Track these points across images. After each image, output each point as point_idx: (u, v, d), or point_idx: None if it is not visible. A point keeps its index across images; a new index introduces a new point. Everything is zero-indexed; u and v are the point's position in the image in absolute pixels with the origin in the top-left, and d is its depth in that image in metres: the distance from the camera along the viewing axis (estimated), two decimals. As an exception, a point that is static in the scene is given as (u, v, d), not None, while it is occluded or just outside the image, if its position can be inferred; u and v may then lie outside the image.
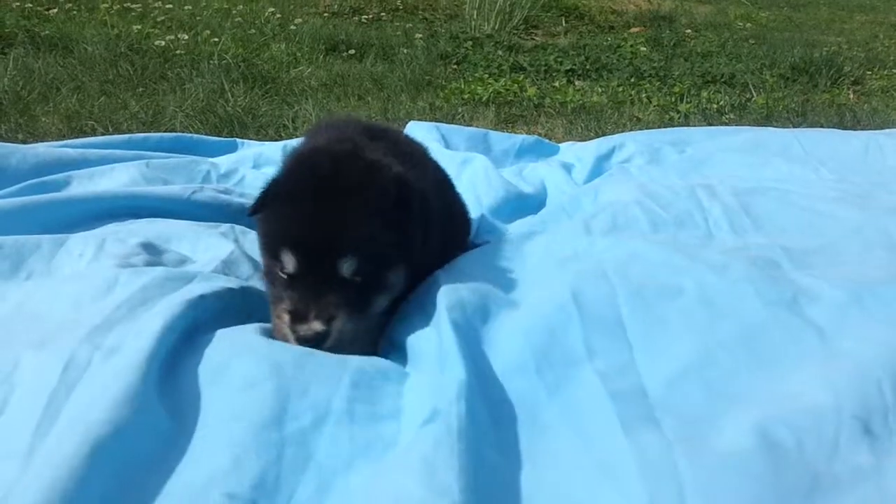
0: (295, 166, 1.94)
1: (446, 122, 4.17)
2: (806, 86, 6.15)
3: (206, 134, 3.88)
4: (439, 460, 1.33)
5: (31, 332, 1.70)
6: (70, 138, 3.68)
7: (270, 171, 3.36)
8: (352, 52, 6.32)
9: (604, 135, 4.14)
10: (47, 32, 5.77)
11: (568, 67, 6.27)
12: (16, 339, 1.67)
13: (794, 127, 4.42)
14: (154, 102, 4.45)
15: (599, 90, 5.68)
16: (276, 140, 3.95)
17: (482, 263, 2.19)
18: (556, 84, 5.81)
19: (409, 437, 1.47)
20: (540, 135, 4.12)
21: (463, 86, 5.56)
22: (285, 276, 1.81)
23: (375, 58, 6.18)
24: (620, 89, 5.72)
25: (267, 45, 6.23)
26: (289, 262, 1.79)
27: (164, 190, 2.87)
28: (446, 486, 1.28)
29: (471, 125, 4.50)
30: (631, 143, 3.56)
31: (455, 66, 6.22)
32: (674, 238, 2.38)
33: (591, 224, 2.46)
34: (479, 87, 5.50)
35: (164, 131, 3.87)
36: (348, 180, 1.83)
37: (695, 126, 4.55)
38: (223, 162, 3.43)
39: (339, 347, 1.77)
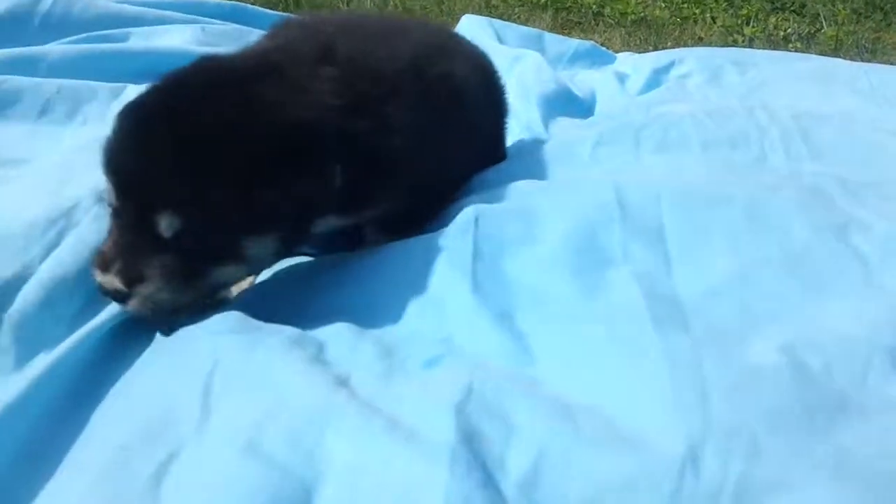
0: (173, 76, 1.46)
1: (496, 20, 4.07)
2: (880, 23, 5.88)
3: (262, 7, 3.82)
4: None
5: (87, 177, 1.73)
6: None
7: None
8: (412, -62, 6.13)
9: (663, 49, 4.03)
10: None
11: (632, -22, 6.04)
12: (75, 181, 1.71)
13: (864, 63, 4.25)
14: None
15: (662, 4, 5.49)
16: (330, 20, 3.89)
17: (524, 165, 2.17)
18: (619, -7, 5.62)
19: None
20: (596, 43, 4.01)
21: (522, -15, 5.40)
22: (110, 206, 1.43)
23: (435, -53, 5.99)
24: (685, 6, 5.52)
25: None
26: (109, 191, 1.40)
27: (216, 51, 2.88)
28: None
29: (522, 26, 4.39)
30: (691, 59, 3.46)
31: (514, -35, 6.02)
32: (726, 158, 2.34)
33: (640, 135, 2.41)
34: (537, -11, 5.34)
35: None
36: (203, 112, 1.38)
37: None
38: (275, 37, 3.40)
39: (158, 317, 1.42)
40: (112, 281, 1.36)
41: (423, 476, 1.13)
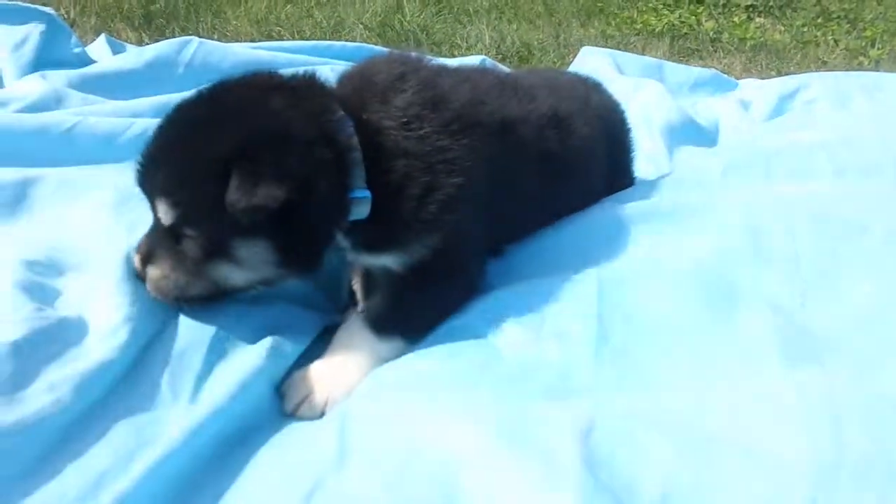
0: (203, 90, 1.65)
1: (616, 51, 4.10)
2: None
3: (384, 47, 3.99)
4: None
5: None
6: (259, 41, 3.90)
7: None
8: (523, -26, 6.25)
9: (785, 75, 3.96)
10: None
11: (749, 2, 5.95)
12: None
13: None
14: (335, 13, 4.61)
15: (781, 28, 5.39)
16: (449, 58, 4.01)
17: (651, 192, 2.18)
18: (735, 19, 5.54)
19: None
20: (717, 70, 3.98)
21: (635, 15, 5.41)
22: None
23: (547, -19, 6.08)
24: (805, 29, 5.40)
25: (441, -37, 6.25)
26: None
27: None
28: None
29: (641, 56, 4.40)
30: (817, 84, 3.40)
31: (628, -5, 6.04)
32: (860, 186, 2.28)
33: (771, 162, 2.38)
34: (652, 18, 5.34)
35: (346, 41, 4.01)
36: (197, 111, 1.58)
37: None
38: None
39: (168, 299, 1.61)
40: (136, 261, 1.61)
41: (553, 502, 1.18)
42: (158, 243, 1.59)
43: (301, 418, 1.56)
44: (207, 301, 1.63)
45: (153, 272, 1.59)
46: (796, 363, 1.49)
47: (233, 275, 1.59)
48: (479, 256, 1.82)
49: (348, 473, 1.33)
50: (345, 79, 1.80)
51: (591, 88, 2.33)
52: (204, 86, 1.65)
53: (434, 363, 1.61)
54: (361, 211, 1.62)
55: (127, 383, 1.50)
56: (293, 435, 1.50)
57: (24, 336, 1.44)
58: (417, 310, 1.71)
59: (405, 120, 1.65)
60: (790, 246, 1.78)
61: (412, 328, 1.69)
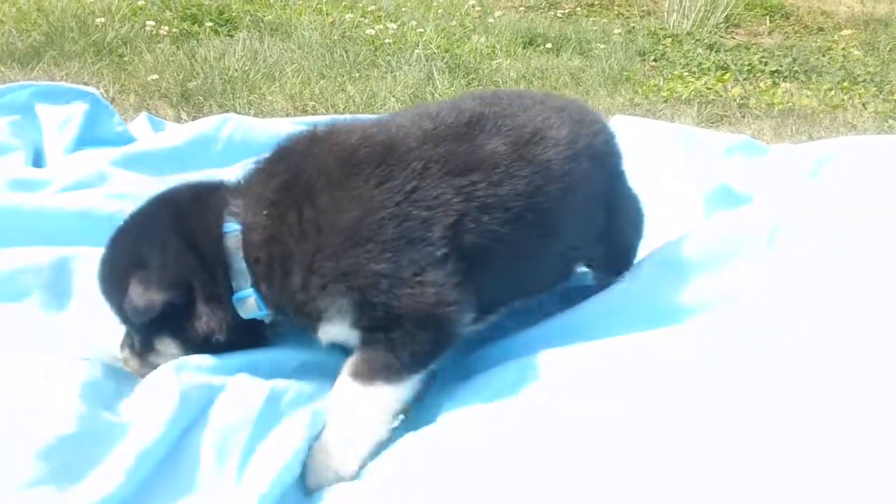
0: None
1: (646, 119, 4.13)
2: None
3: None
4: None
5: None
6: (294, 117, 3.99)
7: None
8: (548, 45, 6.37)
9: (815, 139, 3.96)
10: (269, 17, 6.23)
11: (774, 68, 6.02)
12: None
13: None
14: (368, 87, 4.71)
15: (808, 93, 5.42)
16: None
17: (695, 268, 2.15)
18: (762, 85, 5.59)
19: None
20: (749, 136, 3.98)
21: (662, 83, 5.48)
22: None
23: (572, 52, 6.20)
24: (832, 93, 5.43)
25: (468, 36, 6.40)
26: None
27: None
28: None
29: (672, 123, 4.43)
30: (853, 148, 3.36)
31: (653, 63, 6.13)
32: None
33: (815, 227, 2.36)
34: (679, 85, 5.40)
35: (379, 114, 4.09)
36: (126, 226, 1.85)
37: (918, 135, 4.24)
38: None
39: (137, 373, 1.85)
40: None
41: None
42: (126, 334, 1.87)
43: (321, 489, 1.57)
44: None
45: (124, 355, 1.87)
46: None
47: (162, 360, 1.79)
48: (441, 297, 1.68)
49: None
50: (246, 175, 1.87)
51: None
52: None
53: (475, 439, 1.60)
54: (251, 308, 1.75)
55: (171, 465, 1.49)
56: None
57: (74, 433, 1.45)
58: (390, 354, 1.66)
59: (272, 212, 1.73)
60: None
61: (392, 371, 1.65)
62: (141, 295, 1.69)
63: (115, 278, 1.77)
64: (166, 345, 1.79)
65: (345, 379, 1.67)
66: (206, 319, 1.74)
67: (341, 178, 1.71)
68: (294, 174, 1.74)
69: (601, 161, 2.08)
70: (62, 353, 1.75)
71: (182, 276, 1.73)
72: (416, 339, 1.66)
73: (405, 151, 1.75)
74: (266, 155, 1.85)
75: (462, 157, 1.78)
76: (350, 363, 1.69)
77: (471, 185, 1.74)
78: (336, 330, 1.71)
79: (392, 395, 1.65)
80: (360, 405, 1.65)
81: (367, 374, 1.65)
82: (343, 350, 1.77)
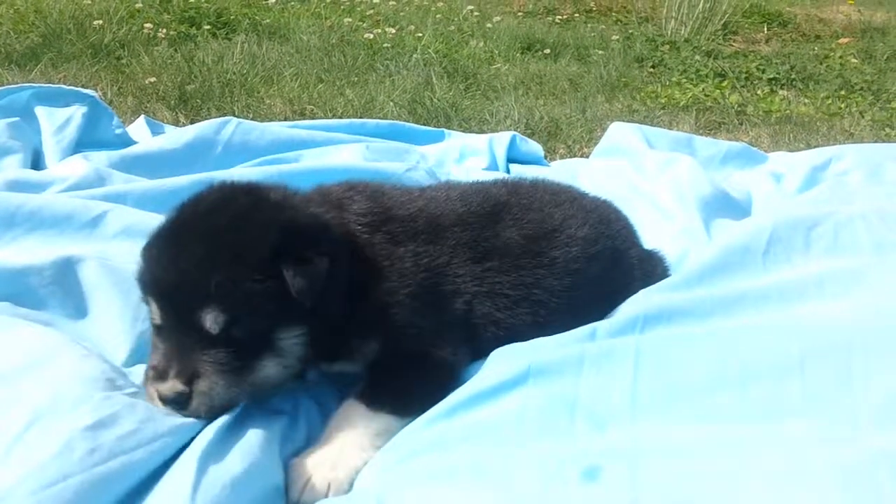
0: (187, 202, 1.74)
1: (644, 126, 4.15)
2: None
3: (415, 123, 4.06)
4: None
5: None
6: (293, 120, 3.99)
7: (474, 164, 3.55)
8: (547, 51, 6.39)
9: (813, 147, 3.97)
10: (267, 21, 6.23)
11: (771, 76, 6.04)
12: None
13: None
14: (366, 91, 4.71)
15: (806, 101, 5.44)
16: (479, 133, 4.07)
17: (695, 280, 2.14)
18: (759, 92, 5.61)
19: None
20: (747, 143, 4.00)
21: (660, 90, 5.49)
22: (154, 326, 1.62)
23: (570, 58, 6.22)
24: (829, 101, 5.45)
25: (466, 41, 6.42)
26: (154, 311, 1.60)
27: (382, 166, 3.12)
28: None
29: (670, 130, 4.44)
30: (850, 156, 3.39)
31: (651, 70, 6.15)
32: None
33: (811, 236, 2.36)
34: (676, 92, 5.41)
35: (377, 118, 4.09)
36: (219, 219, 1.62)
37: (915, 144, 4.26)
38: (431, 153, 3.61)
39: (211, 413, 1.56)
40: (173, 385, 1.52)
41: None
42: (194, 356, 1.54)
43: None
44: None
45: (202, 386, 1.54)
46: (833, 436, 1.47)
47: (273, 371, 1.64)
48: (451, 346, 1.85)
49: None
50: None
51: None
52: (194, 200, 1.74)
53: (460, 449, 1.60)
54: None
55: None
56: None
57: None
58: (403, 388, 1.74)
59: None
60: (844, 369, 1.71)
61: (401, 405, 1.72)
62: (308, 270, 1.57)
63: (246, 270, 1.56)
64: (294, 343, 1.63)
65: (354, 403, 1.70)
66: (337, 301, 1.68)
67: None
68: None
69: (619, 259, 2.17)
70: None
71: (330, 248, 1.69)
72: (419, 382, 1.77)
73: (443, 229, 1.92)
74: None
75: (482, 242, 1.94)
76: (362, 390, 1.74)
77: (484, 272, 1.91)
78: (355, 365, 1.81)
79: (393, 425, 1.69)
80: (364, 427, 1.66)
81: (378, 402, 1.70)
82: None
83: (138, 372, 1.73)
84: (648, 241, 2.44)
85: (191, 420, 1.55)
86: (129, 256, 2.13)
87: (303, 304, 1.57)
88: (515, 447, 1.61)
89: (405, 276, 1.80)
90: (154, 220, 2.28)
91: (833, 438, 1.49)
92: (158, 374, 1.54)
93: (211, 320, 1.53)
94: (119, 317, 1.96)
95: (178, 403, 1.53)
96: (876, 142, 4.48)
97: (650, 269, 2.27)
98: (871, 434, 1.49)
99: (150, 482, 1.42)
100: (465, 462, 1.57)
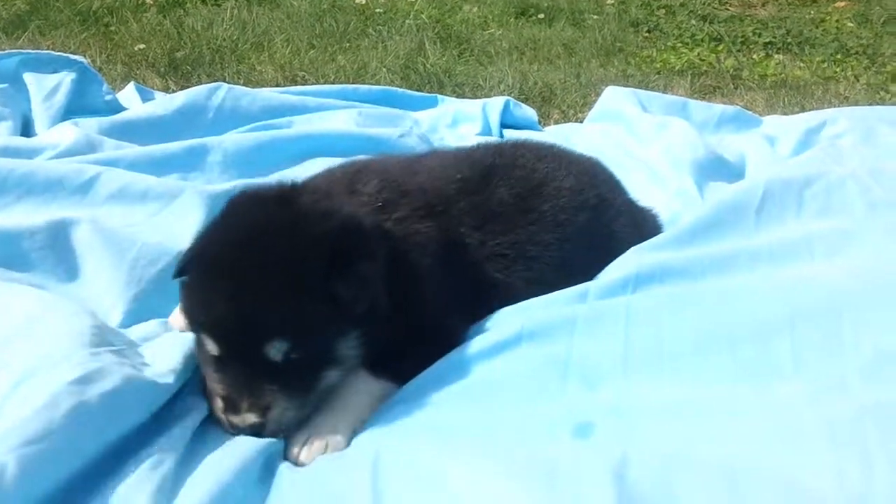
0: (219, 220, 1.72)
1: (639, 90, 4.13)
2: None
3: (407, 89, 4.04)
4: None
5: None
6: (284, 86, 3.95)
7: (467, 131, 3.54)
8: (541, 16, 6.32)
9: (808, 111, 3.96)
10: (255, -15, 6.15)
11: (767, 40, 5.99)
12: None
13: None
14: (358, 58, 4.67)
15: (801, 65, 5.41)
16: (473, 99, 4.05)
17: (688, 240, 2.14)
18: (755, 56, 5.57)
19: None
20: (741, 107, 3.99)
21: (655, 54, 5.46)
22: (212, 357, 1.59)
23: (565, 23, 6.15)
24: (824, 65, 5.42)
25: (459, 6, 6.34)
26: (211, 344, 1.57)
27: (375, 132, 3.11)
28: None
29: (665, 94, 4.42)
30: (843, 119, 3.39)
31: (647, 34, 6.09)
32: (893, 221, 2.25)
33: (803, 196, 2.36)
34: (672, 57, 5.38)
35: (370, 85, 4.06)
36: (268, 245, 1.59)
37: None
38: (424, 118, 3.60)
39: (288, 433, 1.60)
40: (246, 418, 1.54)
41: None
42: (262, 386, 1.55)
43: (302, 463, 1.54)
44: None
45: (274, 414, 1.55)
46: (821, 394, 1.49)
47: (335, 379, 1.65)
48: (459, 314, 1.88)
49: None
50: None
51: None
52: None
53: (454, 410, 1.62)
54: None
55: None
56: (322, 484, 1.47)
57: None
58: (408, 357, 1.75)
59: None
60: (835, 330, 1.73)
61: (405, 372, 1.74)
62: (360, 279, 1.59)
63: (301, 292, 1.56)
64: (351, 347, 1.64)
65: (360, 370, 1.72)
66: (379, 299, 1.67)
67: None
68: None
69: (606, 207, 2.17)
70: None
71: (377, 250, 1.71)
72: (427, 351, 1.78)
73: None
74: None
75: (480, 207, 1.97)
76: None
77: (484, 236, 1.94)
78: None
79: (391, 391, 1.72)
80: (366, 393, 1.69)
81: (382, 369, 1.72)
82: None
83: (132, 333, 1.75)
84: (642, 203, 2.44)
85: (174, 378, 1.57)
86: (122, 219, 2.18)
87: (356, 311, 1.60)
88: (508, 407, 1.63)
89: (427, 253, 1.82)
90: (146, 182, 2.33)
91: (821, 396, 1.51)
92: (231, 407, 1.55)
93: (276, 351, 1.53)
94: (112, 279, 1.96)
95: (254, 432, 1.55)
96: (871, 105, 4.46)
97: (640, 218, 2.28)
98: (858, 390, 1.51)
99: (134, 439, 1.43)
100: (458, 422, 1.59)
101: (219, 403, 1.57)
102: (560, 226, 2.04)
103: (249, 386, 1.54)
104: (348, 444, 1.59)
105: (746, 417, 1.49)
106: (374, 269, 1.64)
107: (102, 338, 1.57)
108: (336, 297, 1.57)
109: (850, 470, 1.30)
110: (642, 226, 2.26)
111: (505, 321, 1.86)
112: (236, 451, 1.48)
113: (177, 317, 1.85)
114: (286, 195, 1.74)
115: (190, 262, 1.66)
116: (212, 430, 1.58)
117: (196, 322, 1.62)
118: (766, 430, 1.44)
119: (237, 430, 1.55)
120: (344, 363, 1.64)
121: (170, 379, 1.54)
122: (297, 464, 1.55)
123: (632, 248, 1.99)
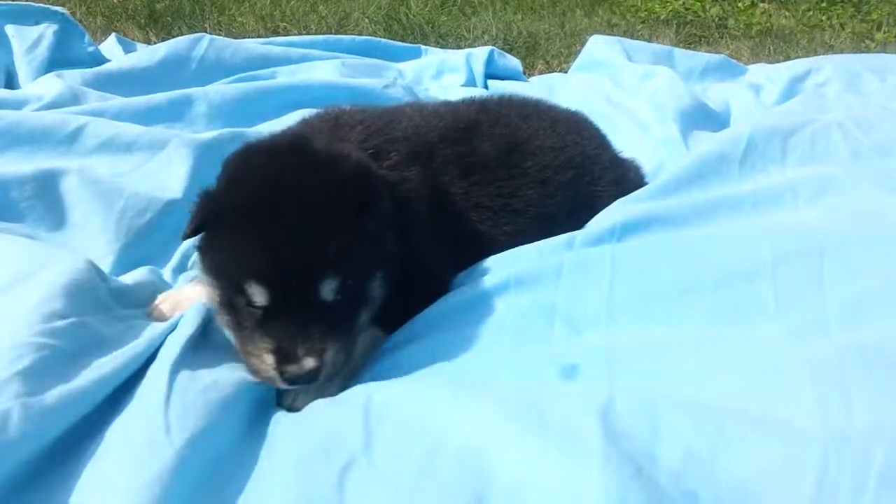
0: (237, 174, 1.66)
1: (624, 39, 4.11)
2: None
3: (392, 40, 4.00)
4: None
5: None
6: (265, 37, 3.91)
7: (451, 81, 3.52)
8: (526, -36, 6.24)
9: (793, 60, 3.96)
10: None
11: (752, -12, 5.96)
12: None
13: None
14: (340, 7, 4.62)
15: (787, 13, 5.39)
16: (456, 49, 4.02)
17: (673, 188, 2.15)
18: (740, 5, 5.55)
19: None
20: (727, 56, 3.98)
21: (640, 3, 5.42)
22: (256, 310, 1.54)
23: (549, -29, 6.09)
24: (810, 14, 5.41)
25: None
26: (259, 294, 1.52)
27: (359, 82, 3.09)
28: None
29: (650, 43, 4.40)
30: (828, 67, 3.40)
31: (632, -17, 6.04)
32: (877, 167, 2.28)
33: (787, 144, 2.39)
34: (657, 5, 5.35)
35: (352, 35, 4.02)
36: (305, 187, 1.58)
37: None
38: (408, 69, 3.58)
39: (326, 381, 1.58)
40: (305, 364, 1.50)
41: (578, 474, 1.21)
42: (312, 328, 1.52)
43: (297, 409, 1.57)
44: None
45: (329, 356, 1.53)
46: (803, 334, 1.53)
47: (366, 320, 1.68)
48: (447, 261, 1.91)
49: (378, 459, 1.34)
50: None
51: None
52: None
53: (444, 354, 1.65)
54: None
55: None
56: (316, 423, 1.50)
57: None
58: (397, 304, 1.75)
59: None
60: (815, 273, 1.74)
61: (393, 320, 1.77)
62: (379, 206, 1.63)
63: (342, 227, 1.56)
64: (378, 287, 1.66)
65: None
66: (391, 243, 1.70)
67: None
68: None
69: (590, 165, 2.19)
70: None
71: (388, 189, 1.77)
72: (416, 297, 1.80)
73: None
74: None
75: (465, 158, 1.99)
76: None
77: (470, 186, 1.96)
78: None
79: (381, 340, 1.76)
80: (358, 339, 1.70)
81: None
82: None
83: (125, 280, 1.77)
84: (627, 153, 2.45)
85: (162, 326, 1.60)
86: (109, 169, 2.17)
87: (379, 248, 1.62)
88: (496, 351, 1.67)
89: (418, 199, 1.84)
90: (133, 132, 2.32)
91: (803, 337, 1.55)
92: (286, 357, 1.50)
93: (328, 290, 1.52)
94: (101, 229, 1.97)
95: (311, 378, 1.52)
96: (856, 53, 4.47)
97: (623, 174, 2.29)
98: (839, 332, 1.54)
99: (124, 391, 1.43)
100: (447, 366, 1.63)
101: (268, 360, 1.51)
102: (543, 183, 2.05)
103: (303, 332, 1.51)
104: (340, 390, 1.63)
105: (730, 357, 1.52)
106: (389, 208, 1.68)
107: (96, 285, 1.60)
108: (368, 234, 1.59)
109: (831, 408, 1.33)
110: (625, 180, 2.28)
111: (493, 268, 1.89)
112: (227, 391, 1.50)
113: (191, 290, 1.81)
114: (298, 143, 1.72)
115: (210, 218, 1.60)
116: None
117: (237, 276, 1.54)
118: (749, 369, 1.48)
119: (293, 381, 1.51)
120: (373, 303, 1.66)
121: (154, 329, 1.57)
122: (290, 410, 1.57)
123: (618, 200, 2.02)
